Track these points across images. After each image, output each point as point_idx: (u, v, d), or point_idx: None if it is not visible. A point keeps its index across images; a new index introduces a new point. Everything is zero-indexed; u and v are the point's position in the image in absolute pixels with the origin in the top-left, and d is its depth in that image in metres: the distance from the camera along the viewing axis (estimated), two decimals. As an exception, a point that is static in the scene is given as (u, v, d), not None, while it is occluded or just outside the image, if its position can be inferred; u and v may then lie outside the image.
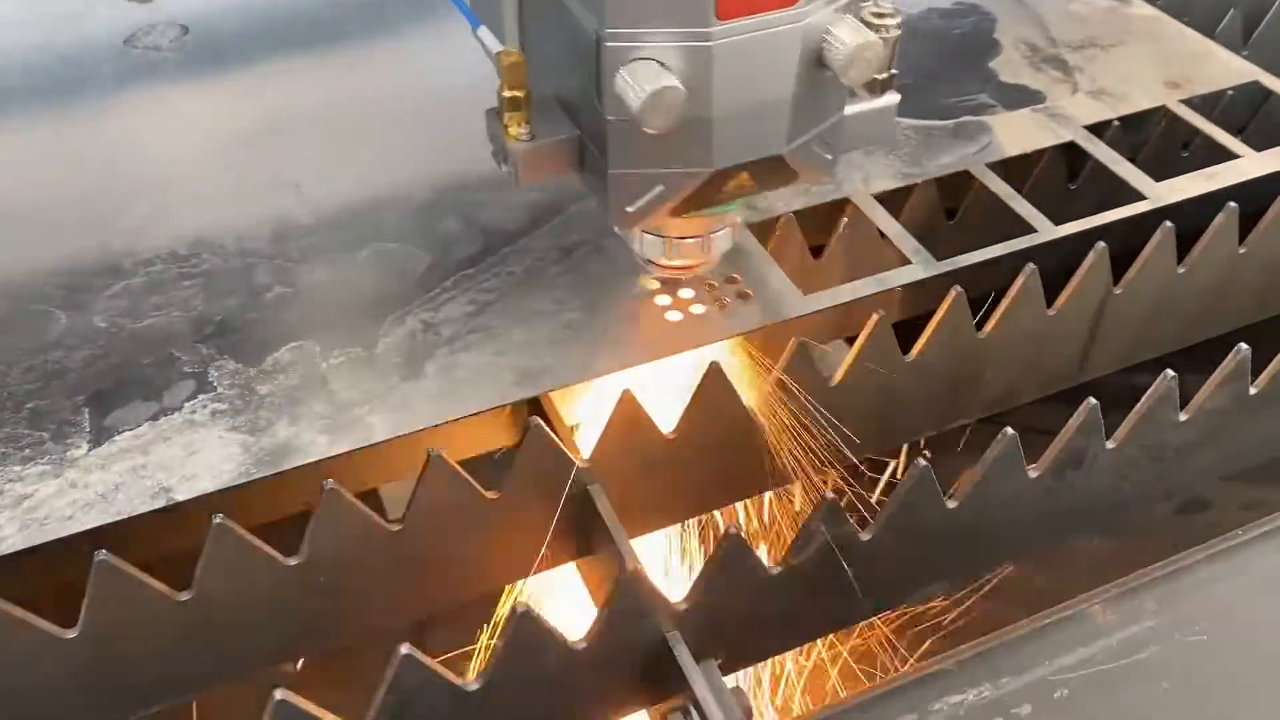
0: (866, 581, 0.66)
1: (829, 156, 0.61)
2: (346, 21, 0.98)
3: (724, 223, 0.64)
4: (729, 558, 0.60)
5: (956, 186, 0.83)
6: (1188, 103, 0.89)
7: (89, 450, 0.63)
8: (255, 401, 0.65)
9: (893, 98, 0.63)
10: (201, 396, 0.66)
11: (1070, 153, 0.86)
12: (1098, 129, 0.87)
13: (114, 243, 0.76)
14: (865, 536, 0.63)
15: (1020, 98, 0.90)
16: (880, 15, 0.58)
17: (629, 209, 0.58)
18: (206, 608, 0.61)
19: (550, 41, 0.58)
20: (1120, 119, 0.88)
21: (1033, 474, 0.67)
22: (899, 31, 0.59)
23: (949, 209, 0.84)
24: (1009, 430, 0.64)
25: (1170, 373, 0.68)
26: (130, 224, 0.78)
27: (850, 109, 0.61)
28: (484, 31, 0.59)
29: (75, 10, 1.00)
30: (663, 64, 0.52)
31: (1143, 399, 0.68)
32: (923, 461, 0.62)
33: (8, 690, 0.59)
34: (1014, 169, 0.85)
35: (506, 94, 0.57)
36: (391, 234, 0.77)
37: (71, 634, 0.58)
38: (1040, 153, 0.85)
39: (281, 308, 0.71)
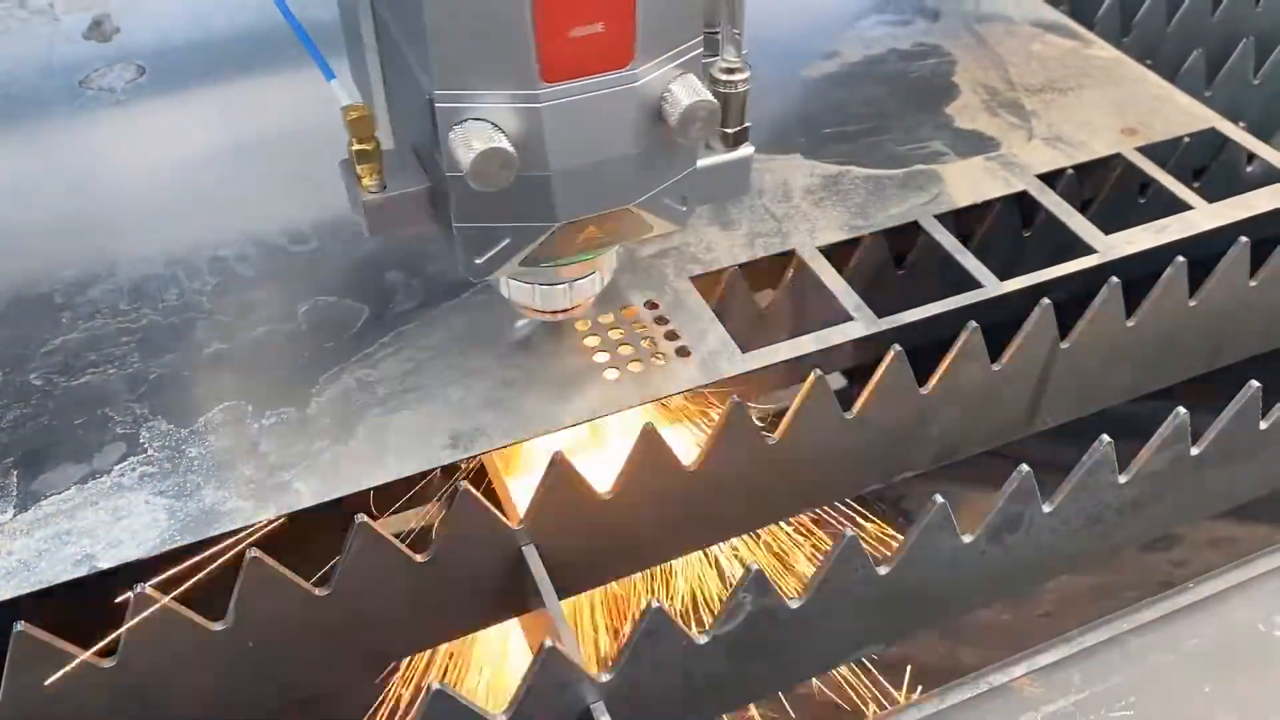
0: (797, 647, 0.65)
1: (682, 208, 0.61)
2: (303, 63, 0.97)
3: (590, 268, 0.65)
4: (651, 630, 0.59)
5: (906, 237, 0.82)
6: (1144, 150, 0.89)
7: (14, 515, 0.62)
8: (184, 464, 0.65)
9: (747, 150, 0.64)
10: (131, 459, 0.65)
11: (1023, 201, 0.86)
12: (1052, 177, 0.87)
13: (56, 295, 0.76)
14: (794, 605, 0.63)
15: (974, 145, 0.89)
16: (730, 70, 0.59)
17: (478, 260, 0.58)
18: (132, 675, 0.61)
19: (401, 95, 0.60)
20: (1075, 167, 0.87)
21: (966, 539, 0.66)
22: (748, 87, 0.60)
23: (899, 257, 0.84)
24: (938, 498, 0.64)
25: (1106, 438, 0.67)
26: (73, 276, 0.78)
27: (703, 161, 0.62)
28: (335, 84, 0.60)
29: (32, 48, 1.00)
30: (495, 124, 0.52)
31: (1079, 464, 0.68)
32: (849, 531, 0.61)
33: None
34: (965, 219, 0.84)
35: (355, 147, 0.57)
36: (333, 287, 0.76)
37: (-8, 702, 0.58)
38: (991, 203, 0.84)
39: (218, 365, 0.71)
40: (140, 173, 0.87)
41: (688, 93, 0.54)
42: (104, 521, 0.62)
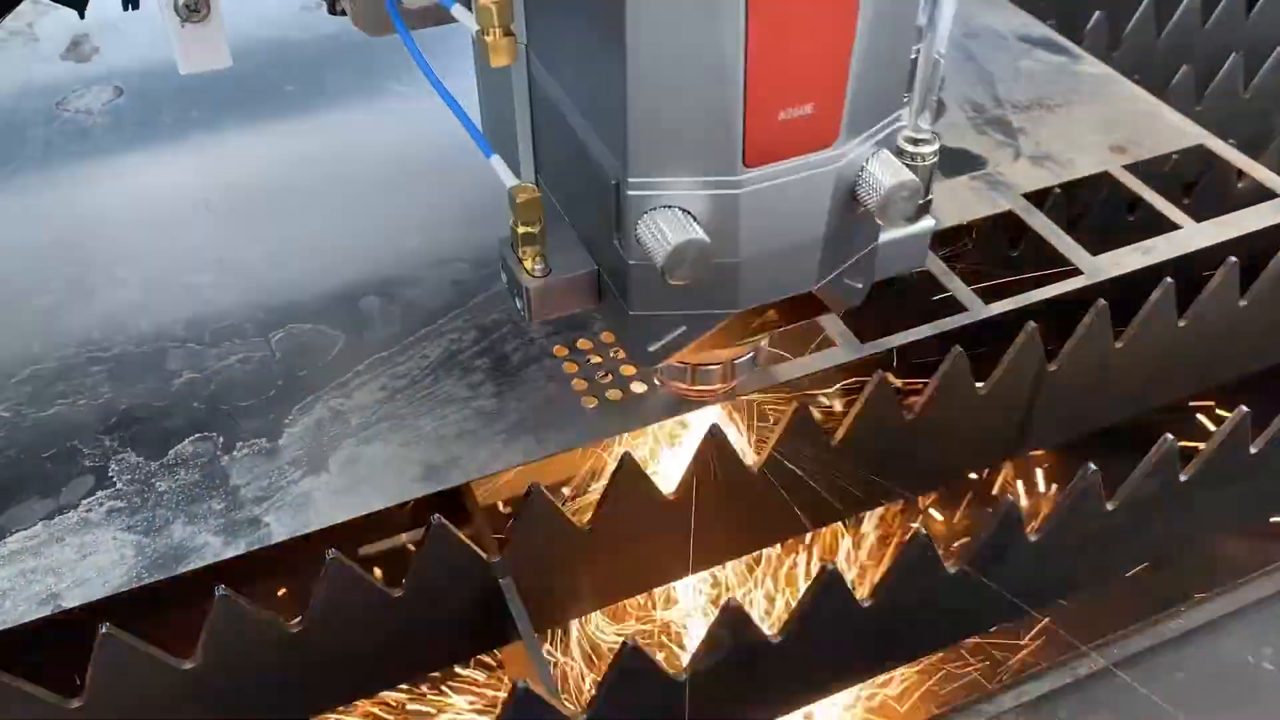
0: (778, 680, 0.64)
1: (859, 285, 0.58)
2: (282, 89, 0.96)
3: (748, 349, 0.62)
4: (628, 668, 0.58)
5: (890, 259, 0.81)
6: (1132, 168, 0.87)
7: (-21, 552, 0.61)
8: (153, 499, 0.64)
9: (927, 223, 0.60)
10: (100, 493, 0.64)
11: (1010, 220, 0.84)
12: (1039, 196, 0.85)
13: (27, 323, 0.75)
14: (775, 639, 0.62)
15: (961, 163, 0.88)
16: (917, 142, 0.55)
17: (651, 349, 0.55)
18: (99, 715, 0.59)
19: (569, 175, 0.56)
20: (1062, 185, 0.86)
21: (950, 570, 0.65)
22: (936, 158, 0.56)
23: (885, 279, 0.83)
24: (921, 530, 0.63)
25: (1092, 466, 0.66)
26: (46, 303, 0.77)
27: (884, 236, 0.58)
28: (496, 161, 0.55)
29: (10, 68, 0.99)
30: (687, 211, 0.49)
31: (1066, 491, 0.67)
32: (829, 566, 0.60)
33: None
34: (950, 239, 0.83)
35: (521, 230, 0.54)
36: (307, 314, 0.75)
37: (-44, 745, 0.57)
38: (976, 223, 0.83)
39: (190, 395, 0.70)
40: (114, 197, 0.86)
41: (888, 172, 0.50)
42: (70, 559, 0.61)
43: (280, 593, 0.69)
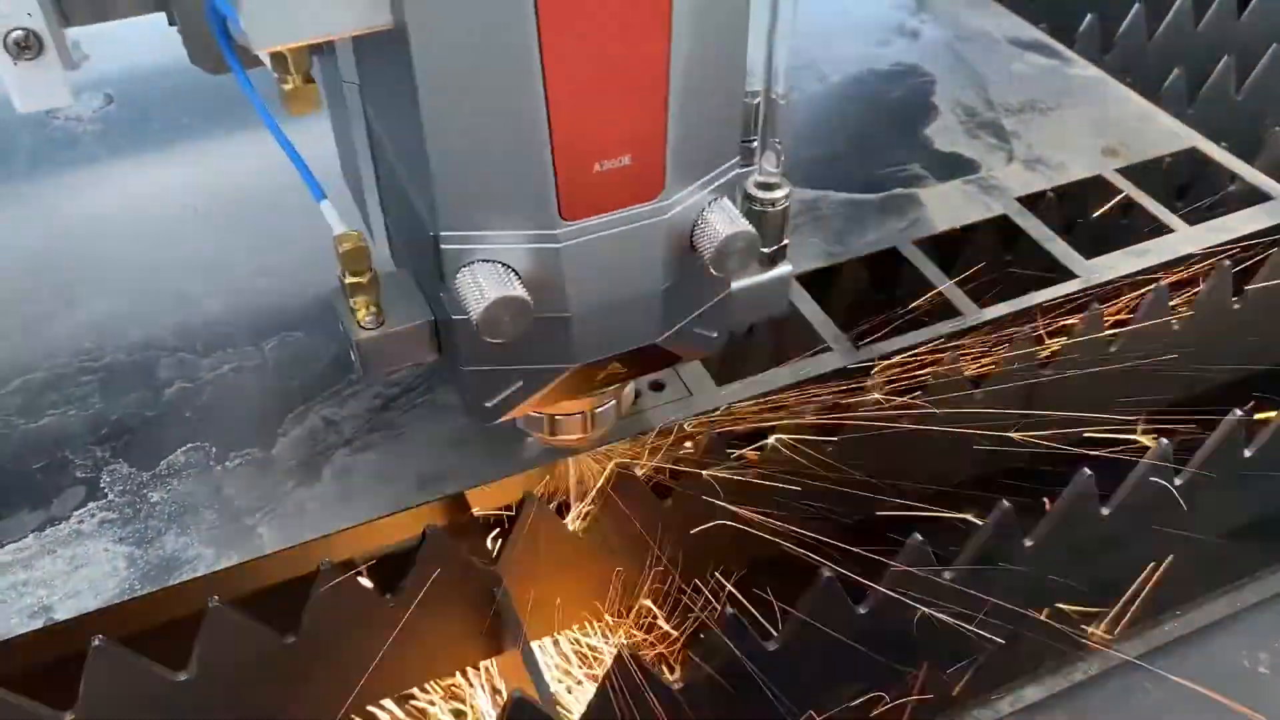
0: (776, 689, 0.64)
1: (713, 335, 0.56)
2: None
3: (608, 399, 0.60)
4: (626, 677, 0.58)
5: (884, 263, 0.81)
6: (1125, 171, 0.88)
7: (-30, 565, 0.61)
8: (145, 510, 0.63)
9: (785, 269, 0.58)
10: (91, 505, 0.64)
11: (1003, 224, 0.84)
12: (1032, 199, 0.85)
13: (16, 333, 0.75)
14: (771, 647, 0.61)
15: (953, 167, 0.88)
16: (768, 187, 0.54)
17: (489, 404, 0.53)
18: (91, 727, 0.59)
19: (403, 222, 0.54)
20: (1055, 189, 0.86)
21: (947, 576, 0.65)
22: (787, 204, 0.54)
23: (878, 282, 0.83)
24: (917, 535, 0.62)
25: (1087, 471, 0.66)
26: (37, 311, 0.76)
27: (738, 284, 0.56)
28: (326, 207, 0.52)
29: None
30: (508, 266, 0.47)
31: (1060, 497, 0.67)
32: (826, 573, 0.60)
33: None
34: (944, 243, 0.83)
35: (348, 280, 0.51)
36: (299, 321, 0.75)
37: (-53, 759, 0.57)
38: (970, 228, 0.83)
39: (182, 405, 0.69)
40: (102, 205, 0.86)
41: (725, 223, 0.48)
42: (62, 571, 0.61)
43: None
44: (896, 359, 0.73)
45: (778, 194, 0.54)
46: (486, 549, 0.68)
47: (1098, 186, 0.87)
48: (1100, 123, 0.93)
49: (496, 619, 0.67)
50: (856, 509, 0.74)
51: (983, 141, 0.91)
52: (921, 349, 0.74)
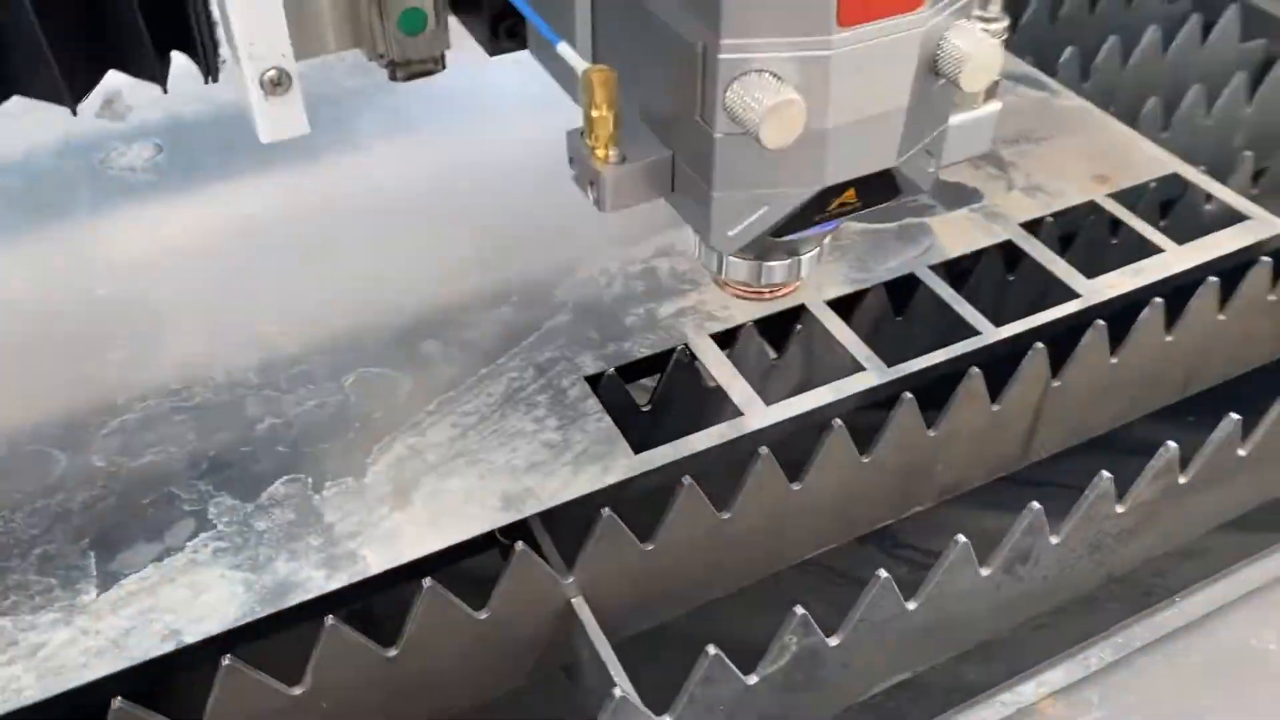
0: (836, 680, 0.70)
1: (931, 170, 0.59)
2: (314, 140, 1.01)
3: (817, 242, 0.63)
4: (711, 673, 0.64)
5: (903, 287, 0.88)
6: (1115, 196, 0.95)
7: (98, 595, 0.66)
8: (254, 538, 0.69)
9: (994, 105, 0.62)
10: (202, 535, 0.69)
11: (1008, 248, 0.92)
12: (1032, 224, 0.93)
13: (105, 377, 0.80)
14: (834, 643, 0.68)
15: (959, 197, 0.95)
16: (988, 20, 0.57)
17: (731, 232, 0.56)
18: (217, 741, 0.64)
19: (635, 56, 0.56)
20: (1053, 214, 0.94)
21: (984, 573, 0.72)
22: (1005, 35, 0.57)
23: (897, 306, 0.90)
24: (960, 538, 0.69)
25: (1106, 474, 0.73)
26: (119, 357, 0.81)
27: (954, 119, 0.60)
28: (564, 48, 0.56)
29: (46, 127, 1.03)
30: (777, 76, 0.49)
31: (1082, 498, 0.74)
32: (883, 574, 0.67)
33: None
34: (955, 266, 0.90)
35: (595, 114, 0.54)
36: (373, 358, 0.81)
37: (89, 775, 0.62)
38: (980, 254, 0.90)
39: (273, 440, 0.75)
40: (168, 250, 0.91)
41: (971, 40, 0.51)
42: (184, 598, 0.66)
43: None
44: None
45: (997, 26, 0.56)
46: (560, 562, 0.74)
47: (1092, 211, 0.95)
48: (1089, 151, 1.01)
49: (575, 626, 0.72)
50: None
51: (984, 172, 0.98)
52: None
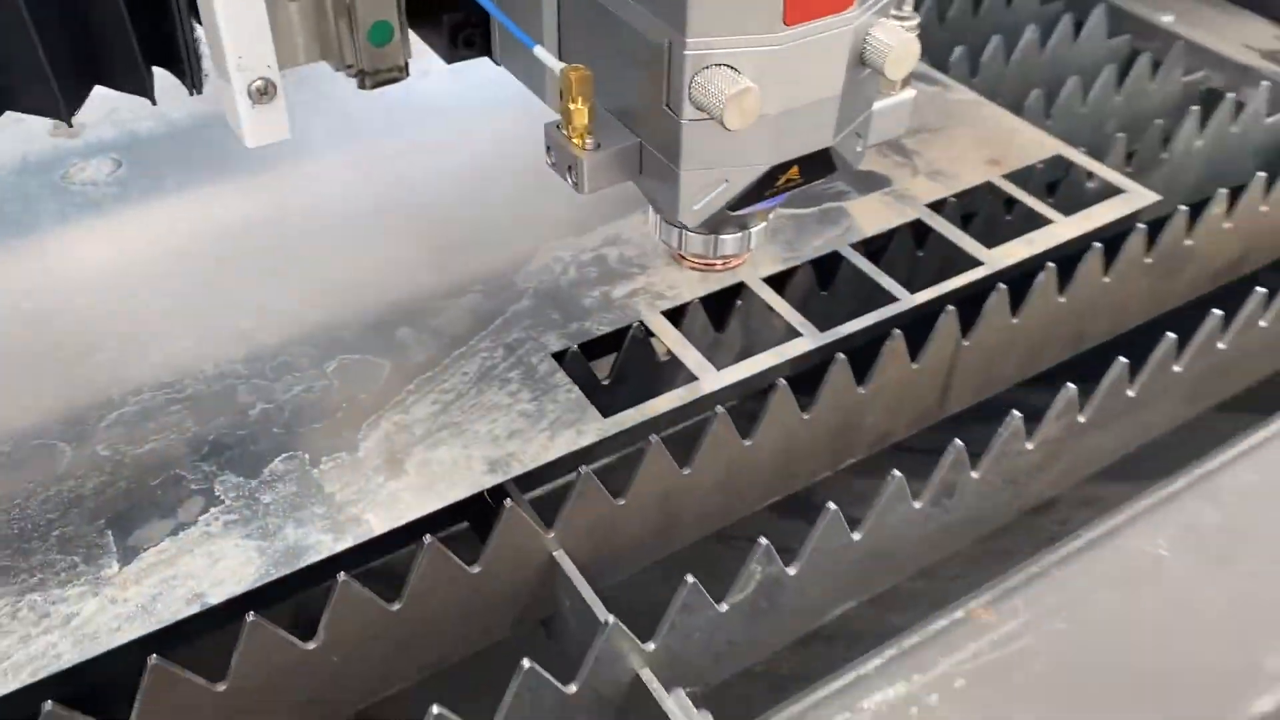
0: (795, 606, 0.79)
1: (859, 149, 0.70)
2: (270, 151, 1.07)
3: (763, 217, 0.73)
4: (687, 606, 0.72)
5: (828, 263, 0.98)
6: (1008, 176, 1.07)
7: (120, 568, 0.71)
8: (261, 510, 0.75)
9: (910, 93, 0.73)
10: (213, 510, 0.75)
11: (917, 227, 1.02)
12: (937, 205, 1.04)
13: (97, 377, 0.84)
14: (792, 571, 0.77)
15: (871, 182, 1.06)
16: (903, 17, 0.67)
17: (696, 207, 0.65)
18: (240, 694, 0.70)
19: (601, 55, 0.65)
20: (955, 195, 1.05)
21: (917, 505, 0.82)
22: (919, 30, 0.67)
23: (823, 280, 1.00)
24: (896, 473, 0.79)
25: (1017, 413, 0.84)
26: (106, 358, 0.86)
27: (877, 104, 0.71)
28: (540, 51, 0.66)
29: (5, 154, 1.06)
30: (734, 68, 0.58)
31: (996, 435, 0.84)
32: (831, 505, 0.76)
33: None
34: (872, 244, 1.00)
35: (573, 107, 0.63)
36: (351, 346, 0.87)
37: (129, 730, 0.67)
38: (893, 232, 1.01)
39: (267, 423, 0.81)
40: (140, 259, 0.95)
41: (893, 35, 0.61)
42: (203, 565, 0.71)
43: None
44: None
45: (911, 23, 0.66)
46: (538, 519, 0.81)
47: (988, 191, 1.06)
48: (982, 138, 1.12)
49: (558, 577, 0.80)
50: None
51: (891, 160, 1.09)
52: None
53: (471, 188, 1.04)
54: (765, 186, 0.66)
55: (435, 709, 0.64)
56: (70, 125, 0.76)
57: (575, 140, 0.65)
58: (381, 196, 1.02)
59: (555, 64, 0.65)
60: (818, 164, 0.67)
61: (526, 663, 0.67)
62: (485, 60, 0.80)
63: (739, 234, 0.72)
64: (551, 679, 0.68)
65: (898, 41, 0.62)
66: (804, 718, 0.69)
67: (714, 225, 0.71)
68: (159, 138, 1.09)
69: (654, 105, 0.63)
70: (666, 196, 0.66)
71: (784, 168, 0.66)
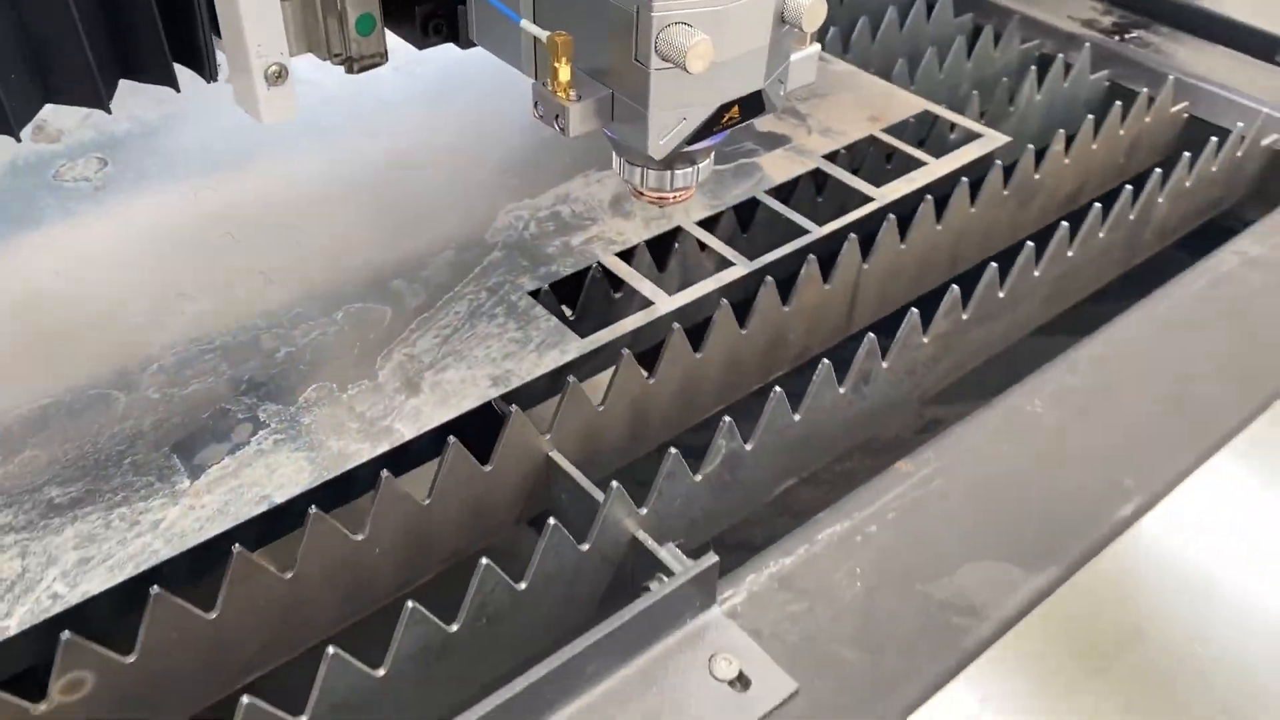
0: (752, 478, 0.96)
1: (781, 94, 0.87)
2: (244, 142, 1.20)
3: (706, 155, 0.90)
4: (671, 473, 0.88)
5: (748, 208, 1.16)
6: (887, 130, 1.26)
7: (191, 483, 0.84)
8: (304, 430, 0.88)
9: (815, 46, 0.90)
10: (262, 432, 0.88)
11: (816, 174, 1.21)
12: (831, 156, 1.22)
13: (132, 338, 0.96)
14: (749, 447, 0.94)
15: (774, 141, 1.24)
16: None
17: (662, 141, 0.81)
18: (305, 581, 0.83)
19: (574, 21, 0.79)
20: (845, 147, 1.24)
21: (841, 390, 1.00)
22: None
23: (743, 223, 1.17)
24: (825, 361, 0.96)
25: (914, 310, 1.03)
26: (136, 322, 0.98)
27: (794, 56, 0.87)
28: (526, 23, 0.80)
29: (-5, 155, 1.16)
30: (690, 25, 0.74)
31: (900, 330, 1.03)
32: (778, 389, 0.93)
33: (152, 665, 0.78)
34: (781, 190, 1.19)
35: (558, 65, 0.78)
36: (354, 297, 1.01)
37: (213, 615, 0.79)
38: (797, 179, 1.19)
39: (293, 362, 0.94)
40: (145, 240, 1.07)
41: None
42: (264, 474, 0.84)
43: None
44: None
45: None
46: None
47: (871, 143, 1.25)
48: (862, 101, 1.32)
49: (556, 474, 0.94)
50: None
51: (788, 121, 1.27)
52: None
53: (430, 168, 1.18)
54: (714, 123, 0.83)
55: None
56: (110, 112, 0.87)
57: (561, 94, 0.80)
58: (351, 181, 1.16)
59: (542, 33, 0.80)
60: (753, 104, 0.84)
61: (552, 521, 0.82)
62: (438, 55, 0.94)
63: (689, 168, 0.89)
64: (570, 537, 0.84)
65: (811, 1, 0.80)
66: (772, 552, 0.86)
67: (667, 163, 0.88)
68: (136, 136, 1.20)
69: (624, 60, 0.79)
70: (637, 135, 0.82)
71: (728, 107, 0.83)
